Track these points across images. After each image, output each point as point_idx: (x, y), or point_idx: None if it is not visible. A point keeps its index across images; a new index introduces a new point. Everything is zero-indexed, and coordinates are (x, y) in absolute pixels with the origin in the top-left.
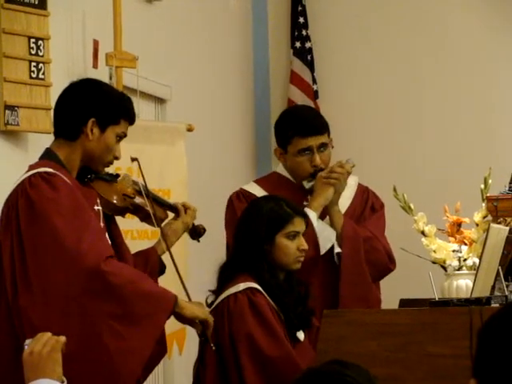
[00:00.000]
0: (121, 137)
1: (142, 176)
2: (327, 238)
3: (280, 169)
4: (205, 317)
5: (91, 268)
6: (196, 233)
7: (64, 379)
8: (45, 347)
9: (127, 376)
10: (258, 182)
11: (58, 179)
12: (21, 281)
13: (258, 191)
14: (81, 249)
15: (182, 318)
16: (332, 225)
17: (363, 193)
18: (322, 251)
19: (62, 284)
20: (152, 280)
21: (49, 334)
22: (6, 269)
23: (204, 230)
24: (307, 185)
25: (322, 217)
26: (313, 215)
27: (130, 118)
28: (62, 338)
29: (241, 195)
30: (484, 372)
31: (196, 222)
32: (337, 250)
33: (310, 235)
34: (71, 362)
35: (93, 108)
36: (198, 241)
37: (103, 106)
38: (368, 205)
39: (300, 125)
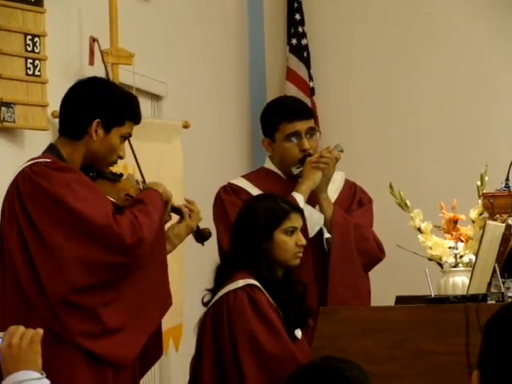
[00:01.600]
0: (125, 137)
1: (140, 172)
2: (316, 220)
3: (268, 164)
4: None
5: (133, 243)
6: (201, 236)
7: (43, 372)
8: (23, 339)
9: (167, 279)
10: (245, 176)
11: (61, 164)
12: (46, 267)
13: (245, 184)
14: (114, 229)
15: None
16: (321, 211)
17: (350, 187)
18: (311, 234)
19: (106, 259)
20: (148, 203)
21: (22, 328)
22: (16, 259)
23: (210, 234)
24: (295, 171)
25: (312, 206)
26: (300, 198)
27: (136, 119)
28: (41, 331)
29: (228, 188)
30: (488, 364)
31: (201, 225)
32: (326, 235)
33: None
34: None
35: (98, 109)
36: (203, 244)
37: (108, 108)
38: (356, 199)
39: (286, 110)
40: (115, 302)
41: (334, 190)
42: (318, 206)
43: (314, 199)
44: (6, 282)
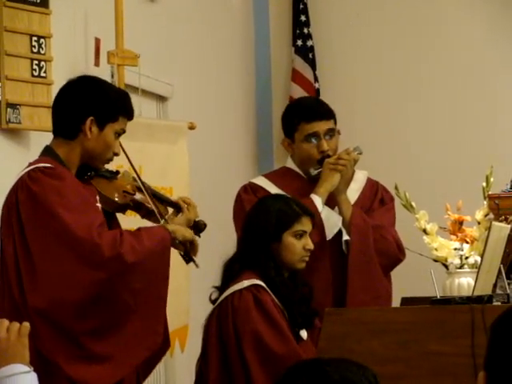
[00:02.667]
0: (120, 133)
1: (134, 169)
2: (334, 223)
3: (289, 163)
4: (191, 237)
5: (111, 256)
6: (197, 228)
7: (31, 366)
8: (11, 333)
9: (162, 316)
10: (266, 175)
11: (58, 171)
12: (27, 278)
13: (265, 184)
14: (95, 239)
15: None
16: (340, 213)
17: (372, 186)
18: (329, 236)
19: (82, 275)
20: (144, 231)
21: (7, 321)
22: (9, 266)
23: (205, 225)
24: (313, 172)
25: (331, 207)
26: (318, 200)
27: (129, 114)
28: (27, 324)
29: (248, 188)
30: (494, 365)
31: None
32: (345, 237)
33: (316, 220)
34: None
35: (90, 107)
36: (199, 236)
37: (100, 104)
38: (377, 198)
39: (305, 111)
40: (102, 331)
41: (355, 190)
42: (336, 208)
43: (332, 201)
44: (5, 293)
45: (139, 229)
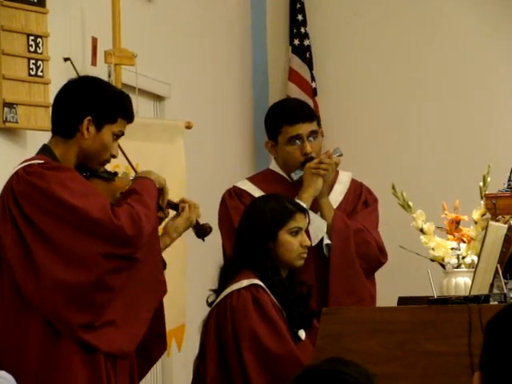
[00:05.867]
0: (118, 135)
1: (134, 171)
2: (318, 228)
3: (273, 165)
4: (164, 183)
5: (135, 233)
6: (201, 231)
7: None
8: None
9: (161, 266)
10: (250, 179)
11: (55, 164)
12: (54, 263)
13: (250, 188)
14: (114, 221)
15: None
16: (322, 216)
17: (356, 188)
18: (314, 242)
19: (108, 251)
20: (142, 193)
21: None
22: (13, 260)
23: (210, 229)
24: (295, 176)
25: (314, 211)
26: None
27: (128, 117)
28: None
29: (233, 193)
30: (490, 365)
31: (201, 221)
32: (326, 241)
33: None
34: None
35: (89, 106)
36: (203, 240)
37: (99, 105)
38: (361, 200)
39: (288, 113)
40: (113, 298)
41: (339, 192)
42: (319, 212)
43: (314, 204)
44: (4, 283)
45: (136, 190)
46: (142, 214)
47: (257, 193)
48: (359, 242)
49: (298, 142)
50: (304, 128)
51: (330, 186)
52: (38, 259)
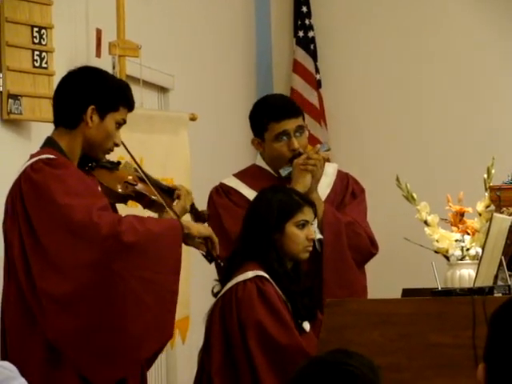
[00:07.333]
0: (120, 124)
1: (134, 160)
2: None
3: (259, 161)
4: (209, 234)
5: (108, 234)
6: (199, 218)
7: None
8: None
9: (173, 310)
10: (236, 175)
11: (61, 161)
12: (37, 265)
13: (237, 184)
14: (93, 219)
15: (188, 239)
16: None
17: (343, 179)
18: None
19: (83, 257)
20: (152, 218)
21: None
22: (16, 257)
23: (208, 215)
24: (283, 173)
25: None
26: None
27: (129, 105)
28: None
29: (220, 190)
30: (494, 357)
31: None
32: (318, 236)
33: None
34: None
35: (92, 95)
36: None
37: (102, 94)
38: (348, 191)
39: (274, 110)
40: (112, 322)
41: (326, 185)
42: None
43: None
44: (10, 288)
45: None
46: (127, 222)
47: (244, 190)
48: (350, 234)
49: (284, 138)
50: (290, 124)
51: (318, 182)
52: (30, 262)
